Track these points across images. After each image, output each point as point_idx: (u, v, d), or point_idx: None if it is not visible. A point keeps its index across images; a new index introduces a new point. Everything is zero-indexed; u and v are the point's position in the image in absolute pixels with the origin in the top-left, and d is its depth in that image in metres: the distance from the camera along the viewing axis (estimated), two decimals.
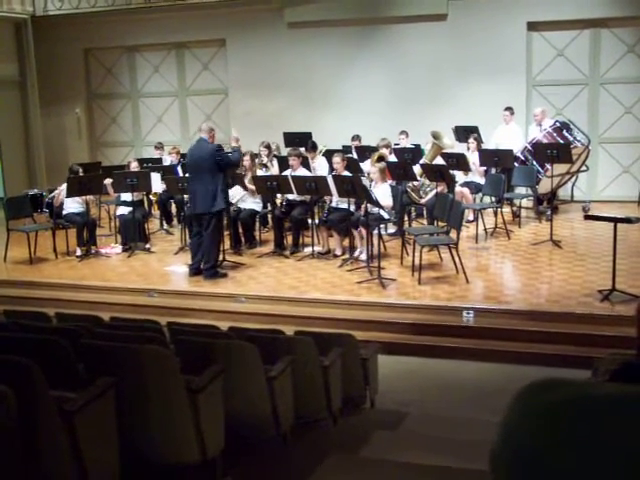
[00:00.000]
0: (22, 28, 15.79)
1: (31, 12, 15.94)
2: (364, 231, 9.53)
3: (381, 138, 11.88)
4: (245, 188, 10.65)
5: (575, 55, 13.43)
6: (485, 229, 11.06)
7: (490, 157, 11.41)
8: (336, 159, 10.22)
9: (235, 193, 10.73)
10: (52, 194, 12.02)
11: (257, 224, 11.36)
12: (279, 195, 10.72)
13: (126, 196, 11.22)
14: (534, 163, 11.53)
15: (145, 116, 16.70)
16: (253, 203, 10.95)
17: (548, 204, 11.92)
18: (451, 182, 10.85)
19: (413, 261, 9.13)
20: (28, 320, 5.49)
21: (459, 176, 11.53)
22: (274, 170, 11.52)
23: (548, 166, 11.11)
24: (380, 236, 9.65)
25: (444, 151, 11.15)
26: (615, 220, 7.79)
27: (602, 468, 0.86)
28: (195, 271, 9.46)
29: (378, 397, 6.10)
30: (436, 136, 11.21)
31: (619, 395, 0.93)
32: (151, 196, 12.19)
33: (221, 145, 9.56)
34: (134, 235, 11.05)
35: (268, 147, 11.92)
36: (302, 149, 11.58)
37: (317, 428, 5.23)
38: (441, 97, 13.85)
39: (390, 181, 10.32)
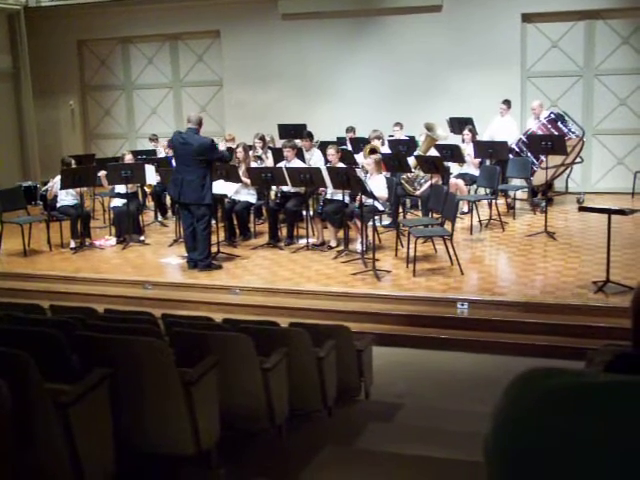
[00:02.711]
0: (15, 19, 15.71)
1: (24, 3, 15.86)
2: (359, 223, 9.53)
3: (372, 130, 11.87)
4: (239, 180, 10.63)
5: (569, 47, 13.42)
6: (480, 221, 11.07)
7: (485, 149, 11.40)
8: (330, 151, 10.21)
9: (230, 186, 10.71)
10: (46, 186, 11.98)
11: (252, 216, 11.36)
12: (273, 187, 10.71)
13: (120, 188, 11.19)
14: (529, 155, 11.54)
15: (139, 108, 16.66)
16: (248, 195, 10.93)
17: (543, 196, 11.94)
18: (445, 174, 10.85)
19: (408, 253, 9.14)
20: (22, 312, 5.48)
21: (454, 168, 11.53)
22: (269, 162, 11.50)
23: (543, 158, 11.12)
24: (375, 228, 9.66)
25: (438, 142, 11.15)
26: (609, 212, 7.79)
27: (598, 455, 0.86)
28: (194, 263, 9.44)
29: (373, 388, 6.11)
30: (429, 128, 11.19)
31: (614, 383, 0.93)
32: (145, 188, 12.16)
33: (214, 140, 9.52)
34: (128, 227, 11.03)
35: (262, 139, 11.90)
36: (297, 140, 11.56)
37: (312, 420, 5.24)
38: (436, 88, 13.84)
39: (385, 172, 10.32)
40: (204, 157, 9.01)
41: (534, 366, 0.98)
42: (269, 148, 12.11)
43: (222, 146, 10.78)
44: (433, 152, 11.03)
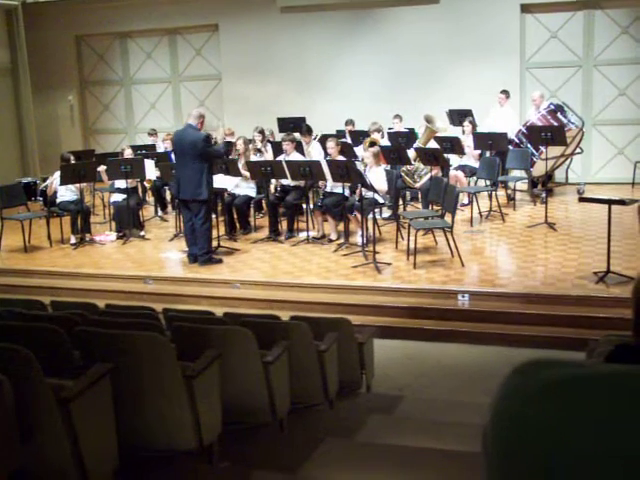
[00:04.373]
0: (13, 15, 15.68)
1: None
2: (359, 215, 9.53)
3: (372, 122, 11.85)
4: (239, 174, 10.62)
5: (569, 37, 13.39)
6: (480, 212, 11.06)
7: (484, 140, 11.38)
8: (330, 144, 10.20)
9: (230, 180, 10.71)
10: (46, 182, 11.98)
11: (252, 210, 11.35)
12: (273, 180, 10.69)
13: (120, 183, 11.19)
14: (528, 146, 11.52)
15: (138, 103, 16.63)
16: (247, 189, 10.92)
17: (543, 187, 11.93)
18: (445, 166, 10.84)
19: (408, 245, 9.13)
20: (23, 308, 5.48)
21: (453, 159, 11.51)
22: (268, 155, 11.49)
23: (542, 149, 11.11)
24: (375, 220, 9.66)
25: (438, 134, 11.13)
26: (609, 202, 7.78)
27: (598, 447, 0.85)
28: (194, 258, 9.43)
29: (374, 381, 6.12)
30: (429, 120, 11.17)
31: (615, 374, 0.92)
32: (145, 183, 12.15)
33: (210, 135, 9.49)
34: (129, 222, 11.03)
35: (262, 132, 11.89)
36: (297, 134, 11.55)
37: (313, 413, 5.24)
38: (435, 80, 13.81)
39: (384, 165, 10.31)
40: (198, 152, 8.97)
41: (532, 357, 0.98)
42: (268, 142, 12.10)
43: (220, 134, 10.75)
44: (433, 144, 11.02)
